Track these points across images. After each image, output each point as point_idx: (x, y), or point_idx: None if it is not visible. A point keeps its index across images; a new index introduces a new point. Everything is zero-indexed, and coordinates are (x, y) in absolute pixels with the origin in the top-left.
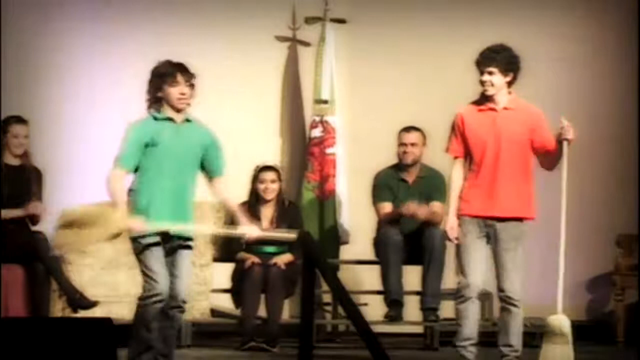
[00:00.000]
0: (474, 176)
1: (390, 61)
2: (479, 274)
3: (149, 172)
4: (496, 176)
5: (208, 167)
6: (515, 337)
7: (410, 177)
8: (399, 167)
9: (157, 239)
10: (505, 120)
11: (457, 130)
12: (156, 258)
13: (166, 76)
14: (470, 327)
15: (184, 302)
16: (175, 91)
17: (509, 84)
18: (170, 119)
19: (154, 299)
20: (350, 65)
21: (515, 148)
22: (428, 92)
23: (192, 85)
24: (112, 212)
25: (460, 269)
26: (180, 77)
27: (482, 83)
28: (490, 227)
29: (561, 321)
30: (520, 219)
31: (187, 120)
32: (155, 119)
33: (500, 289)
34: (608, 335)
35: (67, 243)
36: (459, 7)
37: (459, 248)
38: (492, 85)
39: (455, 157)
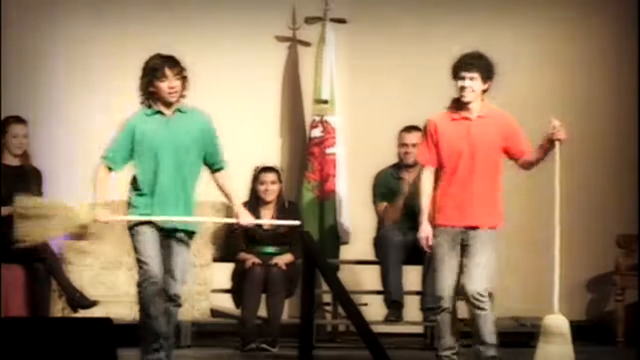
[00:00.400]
0: (446, 185)
1: (390, 61)
2: (453, 284)
3: (145, 168)
4: (471, 185)
5: (207, 158)
6: (488, 336)
7: (411, 176)
8: (400, 167)
9: (150, 226)
10: (480, 129)
11: (430, 139)
12: (146, 243)
13: (156, 71)
14: (449, 336)
15: (177, 296)
16: (164, 85)
17: (484, 91)
18: (160, 113)
19: (147, 282)
20: (350, 65)
21: (489, 157)
22: (428, 92)
23: (183, 78)
24: (72, 206)
25: (434, 280)
26: (168, 72)
27: (462, 89)
28: (463, 234)
29: (558, 321)
30: (492, 228)
31: (179, 111)
32: (146, 114)
33: (468, 292)
34: (608, 335)
35: (27, 234)
36: (458, 8)
37: (432, 258)
38: (473, 91)
39: (425, 165)
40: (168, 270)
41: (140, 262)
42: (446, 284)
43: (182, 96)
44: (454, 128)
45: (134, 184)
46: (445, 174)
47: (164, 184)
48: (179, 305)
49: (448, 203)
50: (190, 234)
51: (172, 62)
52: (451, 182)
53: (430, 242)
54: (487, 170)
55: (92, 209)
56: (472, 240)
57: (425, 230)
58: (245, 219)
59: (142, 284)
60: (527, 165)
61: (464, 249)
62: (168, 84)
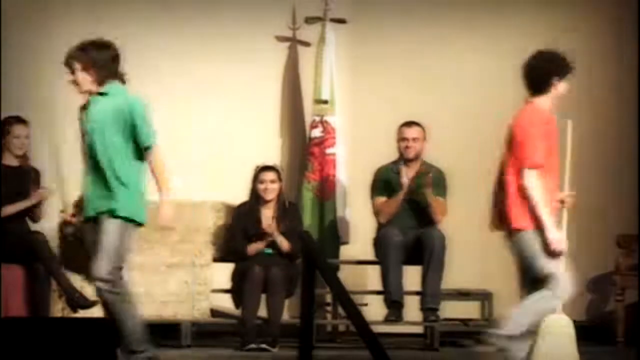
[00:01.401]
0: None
1: (390, 61)
2: None
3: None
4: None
5: (132, 137)
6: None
7: (411, 172)
8: (400, 162)
9: (89, 223)
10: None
11: (547, 138)
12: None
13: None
14: None
15: (100, 279)
16: (70, 80)
17: None
18: (85, 106)
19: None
20: (350, 65)
21: None
22: (428, 92)
23: (83, 69)
24: None
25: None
26: (71, 67)
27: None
28: None
29: (562, 321)
30: None
31: (100, 94)
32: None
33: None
34: (608, 335)
35: None
36: (458, 8)
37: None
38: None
39: (538, 167)
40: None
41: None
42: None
43: (86, 90)
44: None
45: None
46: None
47: (90, 166)
48: (104, 291)
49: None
50: (112, 212)
51: (66, 62)
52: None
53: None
54: None
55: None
56: None
57: (558, 233)
58: (163, 218)
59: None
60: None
61: None
62: (71, 79)
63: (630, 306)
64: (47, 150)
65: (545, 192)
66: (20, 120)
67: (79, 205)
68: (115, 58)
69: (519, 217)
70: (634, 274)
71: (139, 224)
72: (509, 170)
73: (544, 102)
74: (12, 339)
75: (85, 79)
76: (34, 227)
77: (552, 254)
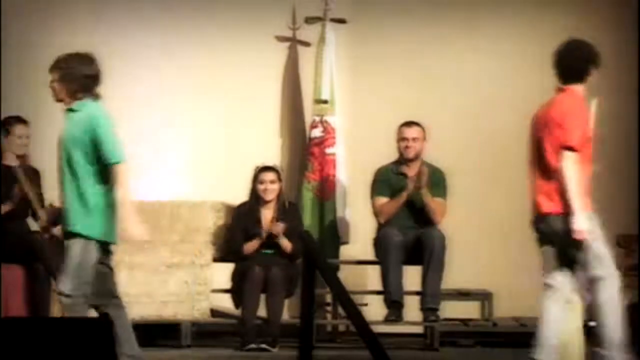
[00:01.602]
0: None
1: (390, 61)
2: None
3: None
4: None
5: (97, 154)
6: None
7: (411, 171)
8: (400, 162)
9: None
10: None
11: (585, 125)
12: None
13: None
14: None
15: (62, 294)
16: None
17: None
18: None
19: None
20: (350, 65)
21: None
22: (428, 92)
23: (59, 81)
24: None
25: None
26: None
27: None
28: None
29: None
30: None
31: (71, 110)
32: None
33: None
34: None
35: None
36: (458, 8)
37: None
38: None
39: (577, 151)
40: None
41: None
42: None
43: (60, 99)
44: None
45: None
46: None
47: (62, 183)
48: (75, 306)
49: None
50: (71, 234)
51: (52, 65)
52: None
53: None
54: None
55: None
56: None
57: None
58: (132, 235)
59: None
60: None
61: None
62: (49, 85)
63: (630, 306)
64: (47, 150)
65: (580, 180)
66: (20, 120)
67: (54, 214)
68: (91, 75)
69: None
70: (634, 274)
71: (107, 243)
72: (547, 156)
73: (580, 89)
74: (12, 339)
75: (60, 89)
76: (34, 227)
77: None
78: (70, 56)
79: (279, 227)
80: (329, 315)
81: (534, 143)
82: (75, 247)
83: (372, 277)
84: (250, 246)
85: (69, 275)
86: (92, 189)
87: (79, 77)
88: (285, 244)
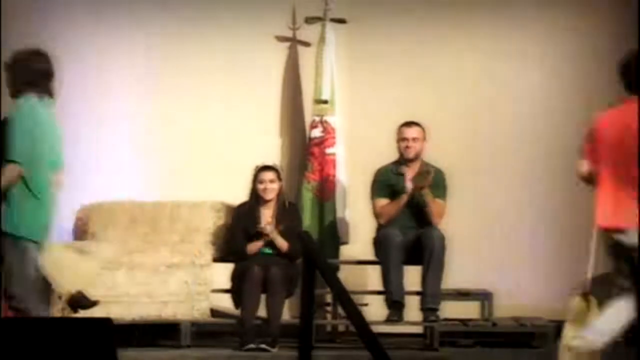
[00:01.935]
0: None
1: (390, 61)
2: None
3: None
4: None
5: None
6: None
7: (411, 172)
8: (400, 162)
9: None
10: None
11: None
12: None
13: None
14: None
15: (13, 302)
16: None
17: None
18: None
19: None
20: (350, 65)
21: None
22: (428, 92)
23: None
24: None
25: None
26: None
27: None
28: None
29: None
30: None
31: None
32: None
33: None
34: None
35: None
36: (458, 8)
37: None
38: None
39: None
40: None
41: None
42: None
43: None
44: None
45: None
46: None
47: None
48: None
49: None
50: (15, 237)
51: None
52: None
53: None
54: None
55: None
56: None
57: None
58: None
59: None
60: None
61: None
62: None
63: None
64: None
65: None
66: None
67: None
68: (33, 71)
69: None
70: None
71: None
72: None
73: None
74: (12, 339)
75: (7, 82)
76: None
77: None
78: (20, 52)
79: (268, 228)
80: (328, 316)
81: (619, 152)
82: (24, 253)
83: (372, 277)
84: (254, 246)
85: (19, 284)
86: (39, 192)
87: (14, 73)
88: (281, 243)
